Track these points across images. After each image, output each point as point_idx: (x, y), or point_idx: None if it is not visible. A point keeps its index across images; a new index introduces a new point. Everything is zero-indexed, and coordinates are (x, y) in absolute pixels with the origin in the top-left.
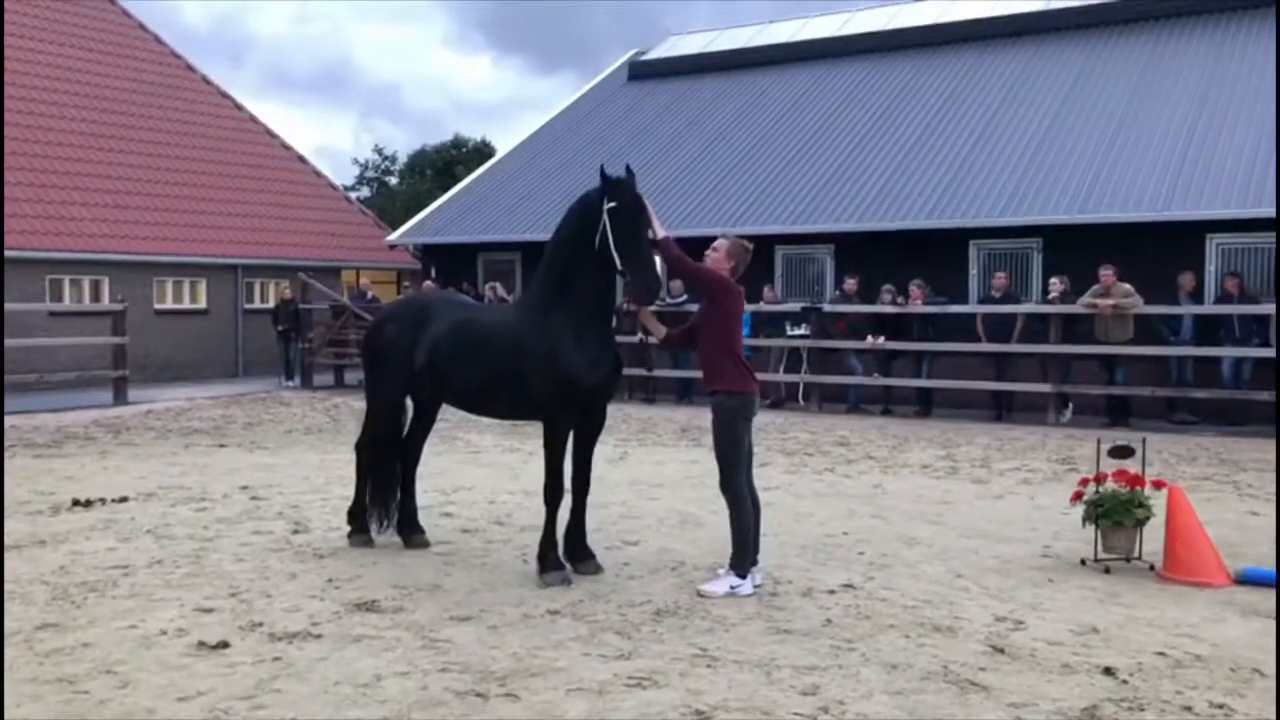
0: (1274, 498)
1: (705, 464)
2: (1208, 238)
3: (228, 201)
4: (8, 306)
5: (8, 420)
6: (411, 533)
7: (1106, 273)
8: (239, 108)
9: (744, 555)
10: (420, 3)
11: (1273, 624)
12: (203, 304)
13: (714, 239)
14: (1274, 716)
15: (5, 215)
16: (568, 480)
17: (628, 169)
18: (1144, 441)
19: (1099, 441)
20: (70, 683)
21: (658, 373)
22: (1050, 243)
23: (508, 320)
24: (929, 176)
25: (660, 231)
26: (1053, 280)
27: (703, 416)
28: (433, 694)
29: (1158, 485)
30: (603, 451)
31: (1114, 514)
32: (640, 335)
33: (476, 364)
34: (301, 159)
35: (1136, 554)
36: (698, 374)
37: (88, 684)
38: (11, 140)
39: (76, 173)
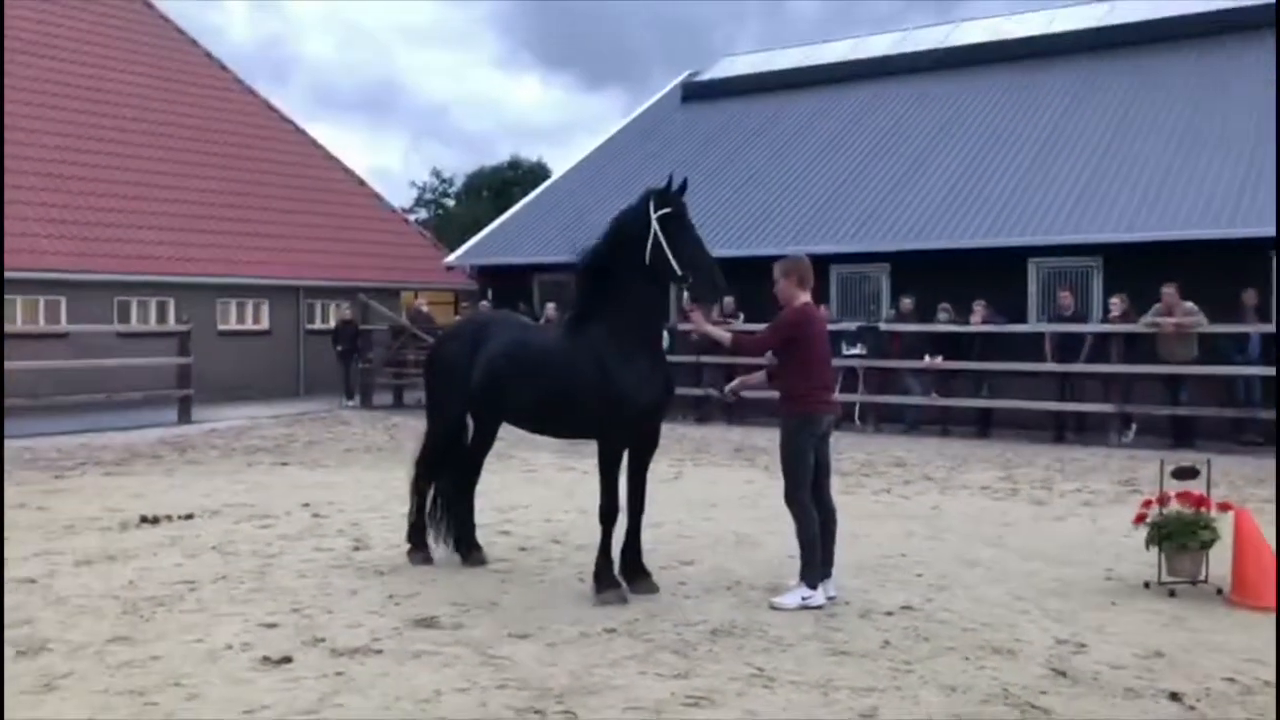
0: None
1: (760, 484)
2: (1274, 254)
3: (289, 224)
4: (77, 328)
5: (78, 439)
6: (470, 550)
7: (1169, 290)
8: (300, 131)
9: (812, 567)
10: (467, 23)
11: None
12: (265, 325)
13: (768, 258)
14: None
15: (76, 239)
16: (623, 499)
17: (684, 181)
18: (1209, 463)
19: (1162, 462)
20: (140, 694)
21: (716, 392)
22: (1111, 261)
23: (560, 340)
24: (986, 194)
25: (725, 337)
26: (1113, 299)
27: (756, 436)
28: (491, 710)
29: (1223, 507)
30: (657, 471)
31: (1178, 536)
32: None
33: (531, 384)
34: (361, 182)
35: (1203, 577)
36: (752, 395)
37: (157, 696)
38: (83, 166)
39: (144, 197)
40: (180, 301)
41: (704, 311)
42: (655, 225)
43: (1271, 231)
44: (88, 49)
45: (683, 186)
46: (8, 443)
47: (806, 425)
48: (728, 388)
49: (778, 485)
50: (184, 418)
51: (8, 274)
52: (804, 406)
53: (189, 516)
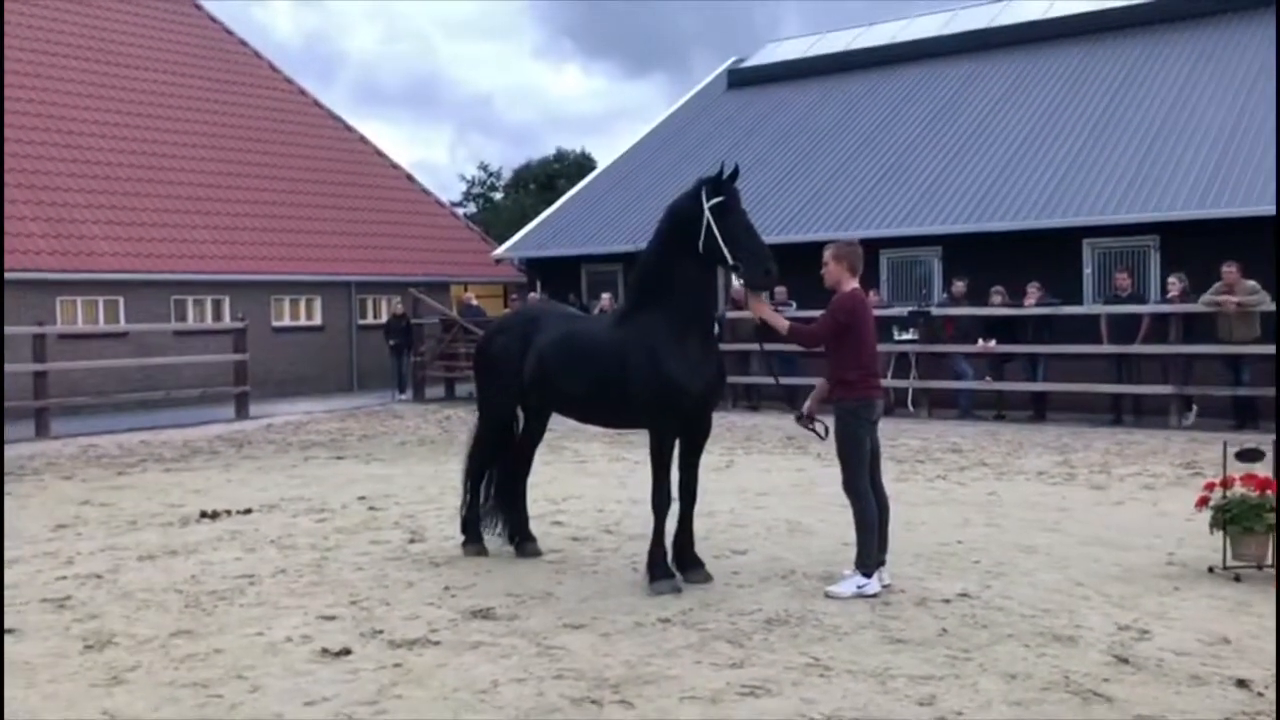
0: None
1: (812, 472)
2: None
3: (340, 221)
4: (136, 327)
5: (139, 436)
6: (523, 541)
7: (1229, 269)
8: (349, 129)
9: (868, 554)
10: (507, 13)
11: None
12: (318, 321)
13: (818, 244)
14: None
15: (133, 240)
16: (675, 489)
17: (735, 168)
18: (1274, 444)
19: (1225, 444)
20: (204, 686)
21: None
22: (1168, 240)
23: (610, 330)
24: (1039, 174)
25: (784, 324)
26: (1171, 279)
27: None
28: (549, 700)
29: None
30: (708, 460)
31: (1243, 519)
32: (760, 346)
33: (582, 373)
34: (409, 177)
35: (1269, 561)
36: (803, 381)
37: (220, 688)
38: (137, 168)
39: (197, 197)
40: (235, 299)
41: (757, 297)
42: (708, 214)
43: None
44: (140, 52)
45: (734, 174)
46: (72, 441)
47: (861, 411)
48: (803, 411)
49: (830, 473)
50: (241, 413)
51: (67, 276)
52: (858, 392)
53: (247, 511)
